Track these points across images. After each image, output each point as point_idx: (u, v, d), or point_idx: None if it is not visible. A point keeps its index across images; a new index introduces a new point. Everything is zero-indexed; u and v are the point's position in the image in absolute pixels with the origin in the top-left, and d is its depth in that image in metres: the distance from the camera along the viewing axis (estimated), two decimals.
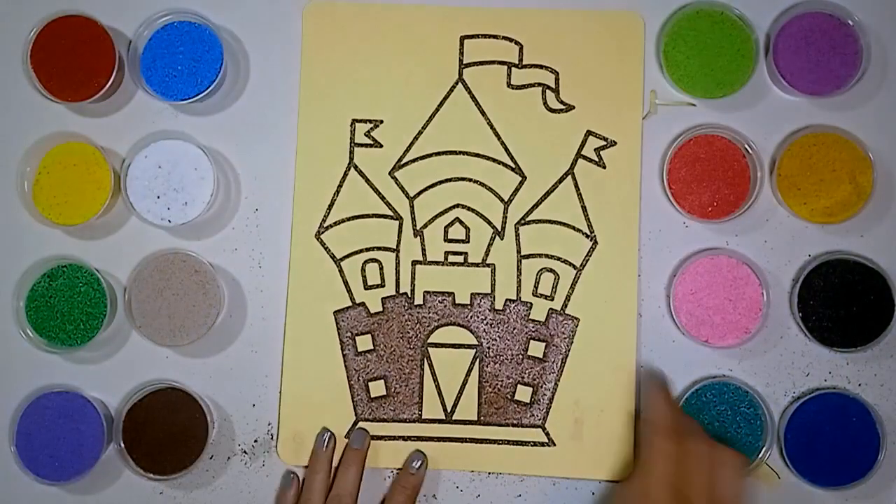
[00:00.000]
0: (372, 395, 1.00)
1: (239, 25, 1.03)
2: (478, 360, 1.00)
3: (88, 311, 0.98)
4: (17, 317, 0.99)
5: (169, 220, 0.99)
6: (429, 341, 1.00)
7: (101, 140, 1.00)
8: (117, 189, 1.00)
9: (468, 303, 1.00)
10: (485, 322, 1.00)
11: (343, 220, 1.01)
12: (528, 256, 1.01)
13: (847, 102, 1.01)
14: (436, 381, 1.00)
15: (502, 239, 1.01)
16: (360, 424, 1.00)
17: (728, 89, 0.99)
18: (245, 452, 1.00)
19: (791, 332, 1.00)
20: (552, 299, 1.00)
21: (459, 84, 1.02)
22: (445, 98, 1.02)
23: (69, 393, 0.99)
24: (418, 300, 1.00)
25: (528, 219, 1.01)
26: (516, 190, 1.01)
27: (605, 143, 1.01)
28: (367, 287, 1.00)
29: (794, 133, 1.00)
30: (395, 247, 1.01)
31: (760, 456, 0.98)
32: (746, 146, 0.98)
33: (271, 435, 1.00)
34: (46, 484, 0.98)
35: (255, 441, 1.00)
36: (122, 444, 0.98)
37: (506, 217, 1.01)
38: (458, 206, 1.01)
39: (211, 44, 1.00)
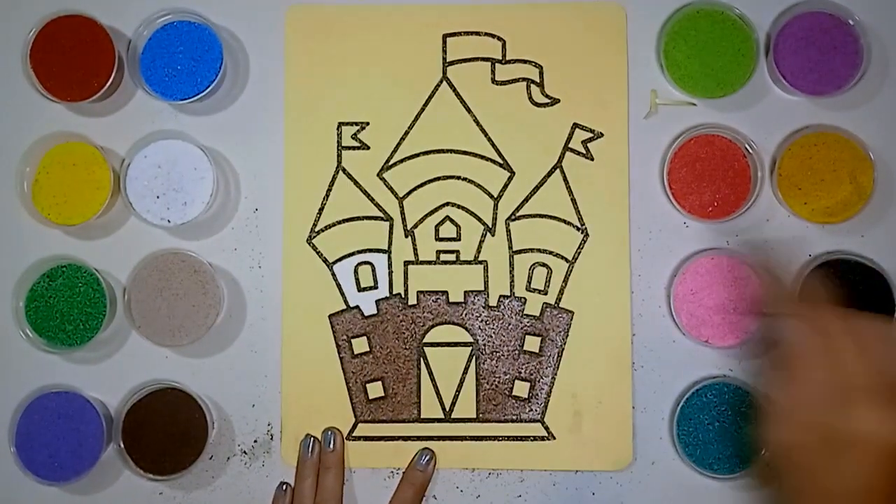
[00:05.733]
0: (370, 397, 1.00)
1: (238, 25, 1.03)
2: (474, 358, 1.00)
3: (88, 312, 0.98)
4: (16, 317, 0.99)
5: (168, 220, 0.99)
6: (424, 341, 1.00)
7: (100, 140, 1.00)
8: (117, 189, 1.00)
9: (462, 301, 1.00)
10: (479, 319, 1.00)
11: (334, 224, 1.01)
12: (519, 252, 1.00)
13: (848, 102, 1.00)
14: (433, 380, 1.00)
15: (493, 235, 1.01)
16: (360, 426, 1.00)
17: (728, 89, 0.99)
18: (244, 453, 1.00)
19: None
20: (546, 293, 1.00)
21: (444, 82, 1.02)
22: (430, 97, 1.02)
23: (69, 393, 0.99)
24: (412, 300, 1.00)
25: (518, 214, 1.01)
26: (505, 186, 1.01)
27: (591, 135, 1.01)
28: (360, 289, 1.01)
29: (794, 133, 1.00)
30: (386, 248, 1.01)
31: (760, 456, 0.97)
32: (747, 146, 0.98)
33: (271, 435, 1.00)
34: (46, 484, 0.98)
35: (255, 441, 1.00)
36: (122, 445, 0.98)
37: (496, 213, 1.01)
38: (447, 204, 1.01)
39: (210, 43, 1.00)
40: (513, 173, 1.01)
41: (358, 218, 1.01)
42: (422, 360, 1.00)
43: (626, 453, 0.99)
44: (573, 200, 1.01)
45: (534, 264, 1.01)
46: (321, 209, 1.01)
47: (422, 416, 1.00)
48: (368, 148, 1.02)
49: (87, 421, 0.98)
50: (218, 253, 1.01)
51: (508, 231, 1.01)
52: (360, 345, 1.00)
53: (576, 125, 1.01)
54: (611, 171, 1.01)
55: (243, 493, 1.00)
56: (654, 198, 1.01)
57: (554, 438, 0.99)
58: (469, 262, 1.01)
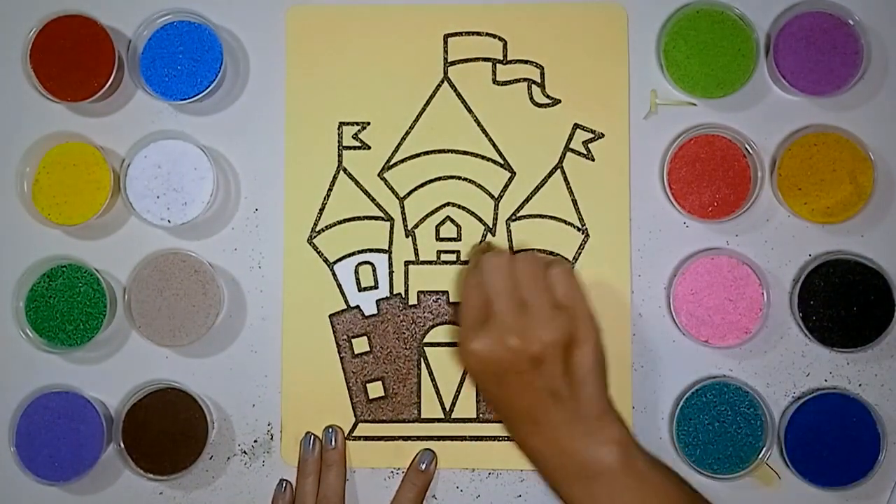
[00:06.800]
0: (371, 397, 1.00)
1: (239, 25, 1.03)
2: None
3: (88, 312, 0.98)
4: (16, 317, 0.99)
5: (168, 220, 0.99)
6: (425, 341, 1.00)
7: (100, 140, 1.00)
8: (117, 189, 1.00)
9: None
10: None
11: (334, 224, 1.01)
12: (520, 252, 1.00)
13: (847, 102, 1.00)
14: (433, 380, 1.00)
15: (494, 235, 1.01)
16: (360, 426, 1.00)
17: (728, 89, 0.99)
18: (245, 453, 1.00)
19: (791, 332, 1.00)
20: None
21: (445, 82, 1.02)
22: (431, 97, 1.02)
23: (69, 393, 0.99)
24: (412, 300, 1.00)
25: (518, 214, 1.01)
26: (506, 186, 1.01)
27: (592, 135, 1.01)
28: (360, 289, 1.01)
29: (794, 133, 1.00)
30: (387, 248, 1.01)
31: (761, 456, 0.97)
32: (747, 146, 0.98)
33: (271, 435, 1.00)
34: (46, 484, 0.98)
35: (255, 441, 1.00)
36: (122, 445, 0.98)
37: (497, 214, 1.01)
38: (448, 204, 1.01)
39: (210, 43, 1.00)
40: (513, 173, 1.01)
41: (359, 218, 1.01)
42: (422, 360, 1.00)
43: None
44: (574, 201, 1.01)
45: None
46: (322, 209, 1.01)
47: (422, 416, 1.00)
48: (369, 148, 1.02)
49: (88, 421, 0.98)
50: (218, 253, 1.01)
51: (509, 231, 1.01)
52: (360, 345, 1.00)
53: (577, 125, 1.01)
54: (611, 172, 1.01)
55: (243, 493, 1.00)
56: (654, 198, 1.01)
57: None
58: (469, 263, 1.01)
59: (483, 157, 1.01)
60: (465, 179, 1.01)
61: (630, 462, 0.85)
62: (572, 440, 0.85)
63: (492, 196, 1.01)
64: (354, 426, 1.00)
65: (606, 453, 0.85)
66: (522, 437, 0.88)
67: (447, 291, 1.00)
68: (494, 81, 1.02)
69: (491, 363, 0.86)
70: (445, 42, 1.02)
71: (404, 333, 1.00)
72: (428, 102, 1.02)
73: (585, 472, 0.85)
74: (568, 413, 0.86)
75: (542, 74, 1.02)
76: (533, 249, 0.94)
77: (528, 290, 0.88)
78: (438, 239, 1.01)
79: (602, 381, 0.88)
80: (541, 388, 0.85)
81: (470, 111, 1.01)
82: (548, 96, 1.02)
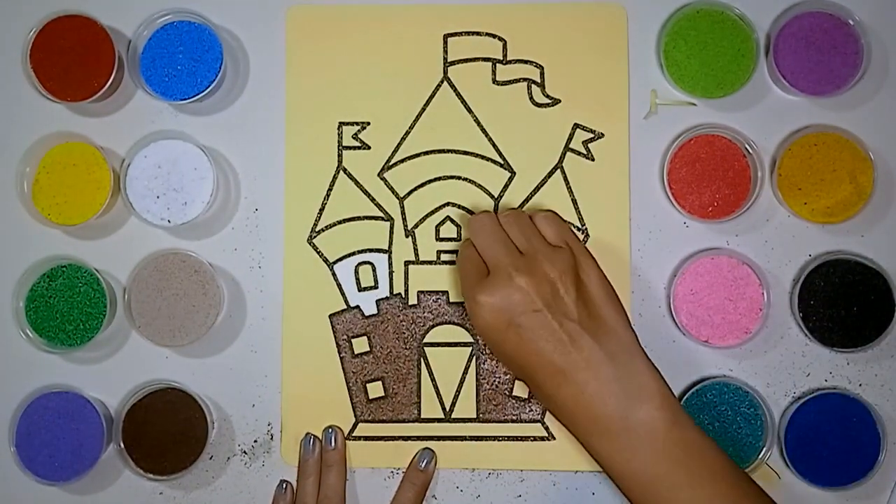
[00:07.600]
0: (370, 397, 1.00)
1: (239, 25, 1.03)
2: (474, 358, 1.00)
3: (88, 312, 0.98)
4: (16, 317, 0.99)
5: (168, 220, 0.99)
6: (425, 341, 1.00)
7: (100, 140, 1.00)
8: (117, 189, 1.00)
9: (462, 301, 1.00)
10: None
11: (334, 224, 1.01)
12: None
13: (848, 102, 1.00)
14: (433, 380, 1.00)
15: None
16: (360, 426, 1.00)
17: (728, 89, 0.99)
18: (245, 453, 1.00)
19: (791, 332, 1.00)
20: None
21: (445, 82, 1.02)
22: (431, 97, 1.02)
23: (69, 393, 0.99)
24: (412, 300, 1.00)
25: None
26: (506, 186, 1.01)
27: (592, 135, 1.01)
28: (360, 289, 1.00)
29: (794, 133, 1.00)
30: (387, 248, 1.01)
31: (761, 456, 0.97)
32: (747, 146, 0.98)
33: (271, 435, 1.00)
34: (46, 484, 0.98)
35: (255, 441, 1.00)
36: (122, 445, 0.98)
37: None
38: (448, 204, 1.01)
39: (210, 43, 1.00)
40: (513, 173, 1.01)
41: (358, 218, 1.01)
42: (422, 360, 1.00)
43: None
44: (574, 200, 1.01)
45: None
46: (322, 209, 1.01)
47: (422, 416, 1.00)
48: (369, 148, 1.01)
49: (87, 421, 0.98)
50: (218, 253, 1.01)
51: None
52: (360, 345, 1.00)
53: (576, 125, 1.01)
54: (611, 172, 1.01)
55: (243, 493, 1.00)
56: (654, 198, 1.01)
57: (554, 438, 0.99)
58: None
59: (483, 157, 1.01)
60: (465, 179, 1.01)
61: (674, 424, 0.84)
62: (604, 386, 0.85)
63: (492, 196, 1.01)
64: (354, 426, 1.00)
65: (643, 410, 0.84)
66: (549, 392, 0.87)
67: (447, 291, 1.00)
68: (494, 81, 1.02)
69: (504, 311, 0.87)
70: (445, 42, 1.02)
71: (404, 333, 1.00)
72: (428, 102, 1.02)
73: (623, 423, 0.84)
74: (593, 351, 0.86)
75: (542, 74, 1.02)
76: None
77: (520, 237, 0.90)
78: (438, 239, 1.01)
79: (620, 308, 0.89)
80: (559, 326, 0.86)
81: (470, 111, 1.01)
82: (548, 96, 1.02)
